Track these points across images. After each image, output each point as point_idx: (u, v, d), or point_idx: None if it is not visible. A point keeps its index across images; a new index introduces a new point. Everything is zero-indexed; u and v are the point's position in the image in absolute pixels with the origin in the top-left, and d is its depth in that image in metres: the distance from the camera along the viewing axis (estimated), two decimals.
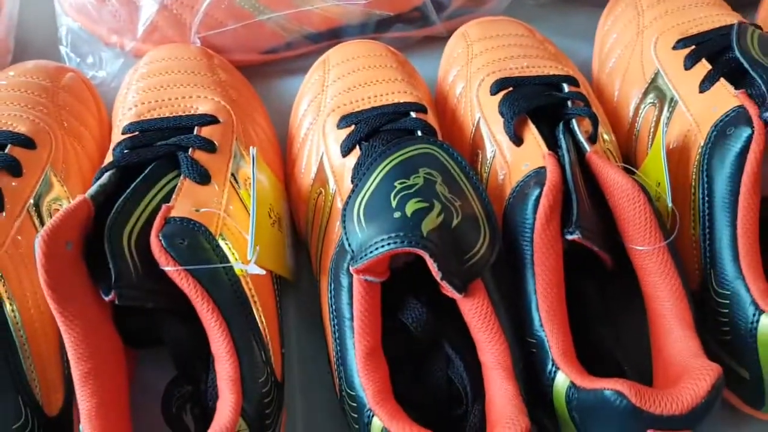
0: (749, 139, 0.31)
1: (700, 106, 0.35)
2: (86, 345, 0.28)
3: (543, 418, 0.31)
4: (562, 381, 0.29)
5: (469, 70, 0.41)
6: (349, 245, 0.29)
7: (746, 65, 0.33)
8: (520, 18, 0.45)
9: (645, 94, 0.40)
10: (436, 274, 0.28)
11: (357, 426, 0.30)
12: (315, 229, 0.36)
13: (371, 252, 0.27)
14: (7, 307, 0.30)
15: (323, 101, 0.39)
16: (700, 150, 0.34)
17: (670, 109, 0.37)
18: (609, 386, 0.26)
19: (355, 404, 0.29)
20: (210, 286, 0.29)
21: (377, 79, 0.39)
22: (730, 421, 0.35)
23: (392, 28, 0.45)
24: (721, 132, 0.33)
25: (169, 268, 0.29)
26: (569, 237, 0.30)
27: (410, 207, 0.28)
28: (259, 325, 0.31)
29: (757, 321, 0.30)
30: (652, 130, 0.39)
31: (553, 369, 0.29)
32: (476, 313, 0.29)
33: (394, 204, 0.29)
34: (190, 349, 0.31)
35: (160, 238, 0.29)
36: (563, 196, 0.31)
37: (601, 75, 0.44)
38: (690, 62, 0.37)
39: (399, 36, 0.46)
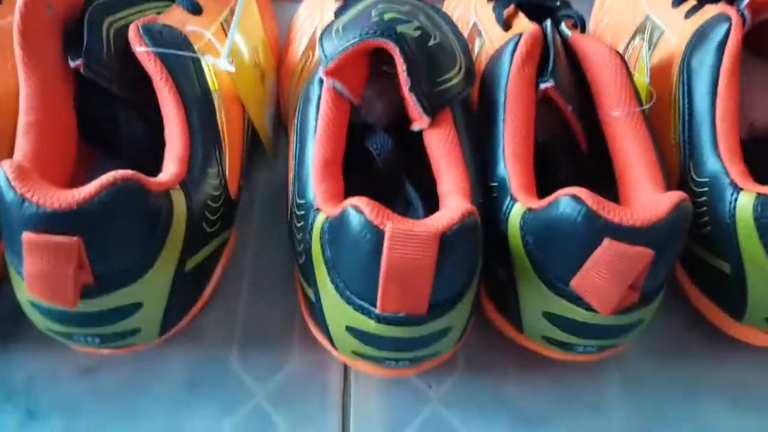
0: (728, 30, 0.32)
1: (684, 28, 0.36)
2: (39, 100, 0.27)
3: (497, 268, 0.29)
4: (516, 210, 0.27)
5: None
6: (323, 51, 0.29)
7: None
8: None
9: (633, 36, 0.41)
10: (405, 83, 0.27)
11: (300, 235, 0.28)
12: (298, 90, 0.36)
13: (343, 48, 0.28)
14: None
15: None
16: (681, 55, 0.34)
17: (657, 38, 0.38)
18: (564, 193, 0.25)
19: (302, 212, 0.28)
20: (179, 78, 0.29)
21: None
22: (710, 356, 0.33)
23: None
24: (701, 33, 0.34)
25: (141, 49, 0.29)
26: (542, 85, 0.30)
27: (388, 15, 0.29)
28: (221, 138, 0.30)
29: (736, 200, 0.29)
30: (637, 62, 0.39)
31: (510, 203, 0.28)
32: (441, 141, 0.29)
33: (374, 14, 0.29)
34: (147, 150, 0.30)
35: (140, 25, 0.29)
36: (541, 52, 0.31)
37: (595, 33, 0.46)
38: (677, 1, 0.39)
39: None
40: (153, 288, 0.26)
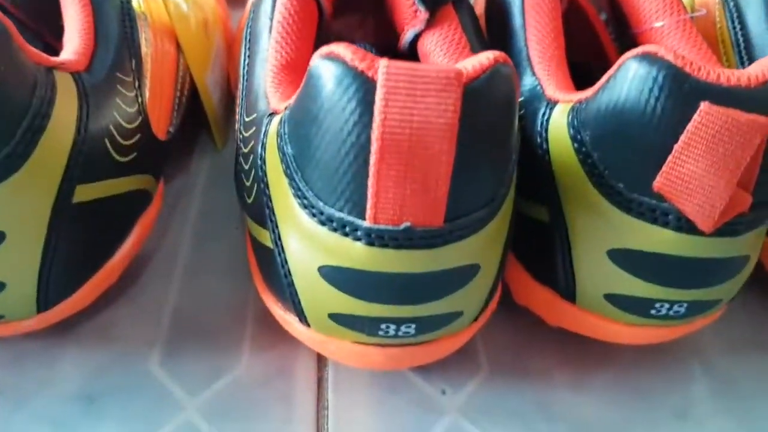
0: None
1: None
2: None
3: (533, 211, 0.21)
4: (559, 112, 0.20)
5: None
6: None
7: None
8: None
9: None
10: None
11: (249, 162, 0.20)
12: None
13: None
14: None
15: None
16: None
17: None
18: (630, 54, 0.17)
19: (252, 130, 0.20)
20: None
21: None
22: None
23: None
24: None
25: None
26: None
27: None
28: (140, 57, 0.23)
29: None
30: None
31: (548, 110, 0.20)
32: (444, 43, 0.22)
33: None
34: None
35: None
36: None
37: None
38: None
39: None
40: (15, 212, 0.17)
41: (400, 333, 0.18)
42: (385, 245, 0.16)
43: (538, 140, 0.20)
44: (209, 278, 0.25)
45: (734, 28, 0.27)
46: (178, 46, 0.27)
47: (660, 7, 0.24)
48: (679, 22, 0.24)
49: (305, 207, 0.17)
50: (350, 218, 0.16)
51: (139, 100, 0.22)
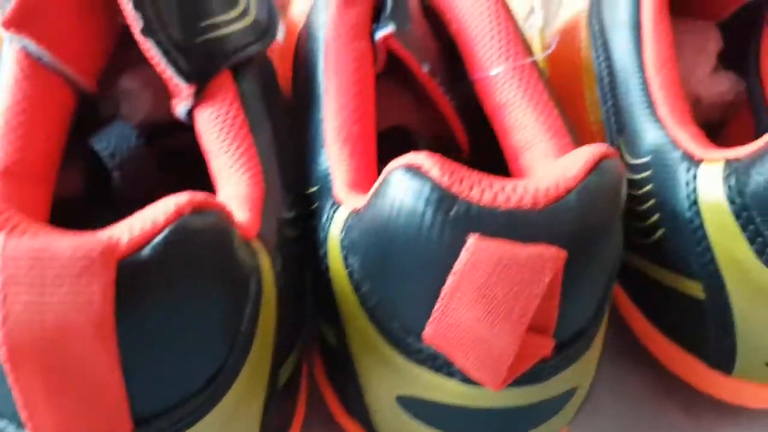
0: None
1: None
2: None
3: (326, 329, 0.17)
4: (338, 219, 0.16)
5: None
6: None
7: None
8: None
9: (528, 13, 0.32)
10: (137, 24, 0.16)
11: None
12: None
13: None
14: None
15: None
16: (587, 7, 0.25)
17: (556, 5, 0.29)
18: (396, 164, 0.14)
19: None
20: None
21: None
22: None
23: None
24: None
25: None
26: (379, 33, 0.19)
27: None
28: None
29: (695, 178, 0.18)
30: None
31: (331, 211, 0.16)
32: (217, 125, 0.17)
33: None
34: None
35: None
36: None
37: None
38: None
39: None
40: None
41: None
42: None
43: (321, 252, 0.17)
44: None
45: (597, 57, 0.23)
46: None
47: (496, 51, 0.20)
48: (516, 69, 0.20)
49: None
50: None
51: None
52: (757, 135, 0.19)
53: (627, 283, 0.22)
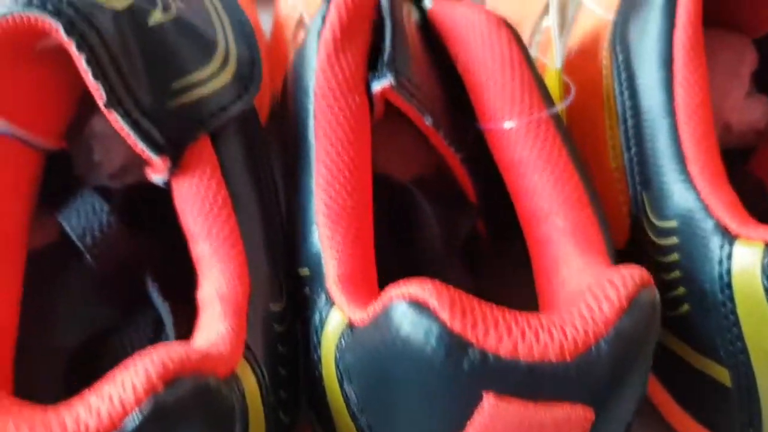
0: None
1: None
2: None
3: (316, 425, 0.16)
4: (334, 327, 0.14)
5: None
6: None
7: None
8: None
9: (541, 15, 0.29)
10: (99, 98, 0.14)
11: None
12: None
13: None
14: None
15: None
16: (611, 28, 0.22)
17: (573, 11, 0.26)
18: (399, 295, 0.12)
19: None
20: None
21: None
22: None
23: None
24: None
25: None
26: (376, 86, 0.17)
27: None
28: None
29: (729, 257, 0.17)
30: (548, 50, 0.27)
31: (325, 310, 0.15)
32: (197, 202, 0.15)
33: None
34: None
35: None
36: (375, 32, 0.18)
37: None
38: None
39: None
40: None
41: None
42: None
43: (313, 358, 0.15)
44: None
45: (620, 91, 0.21)
46: None
47: (509, 102, 0.18)
48: (531, 124, 0.18)
49: None
50: None
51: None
52: None
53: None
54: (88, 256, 0.16)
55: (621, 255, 0.20)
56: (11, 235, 0.16)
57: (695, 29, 0.19)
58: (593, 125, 0.22)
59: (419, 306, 0.11)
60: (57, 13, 0.14)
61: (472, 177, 0.19)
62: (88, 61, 0.14)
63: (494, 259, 0.21)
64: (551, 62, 0.24)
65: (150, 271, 0.17)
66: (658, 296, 0.12)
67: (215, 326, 0.13)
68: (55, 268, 0.18)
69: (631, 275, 0.12)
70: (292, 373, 0.16)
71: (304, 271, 0.16)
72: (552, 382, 0.11)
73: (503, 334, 0.11)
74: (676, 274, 0.18)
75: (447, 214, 0.19)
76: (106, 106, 0.14)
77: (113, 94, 0.14)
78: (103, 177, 0.18)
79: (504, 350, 0.11)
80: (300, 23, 0.26)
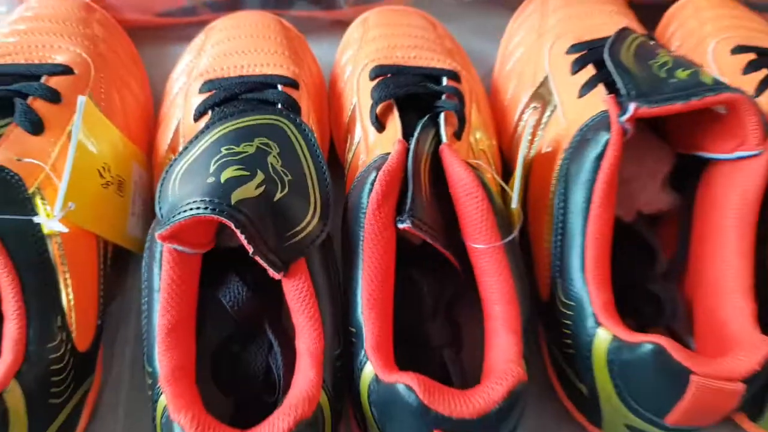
0: (606, 144, 0.30)
1: (576, 111, 0.34)
2: None
3: (360, 422, 0.30)
4: (368, 373, 0.27)
5: (359, 55, 0.39)
6: (160, 209, 0.27)
7: (611, 68, 0.32)
8: (437, 14, 0.44)
9: (531, 98, 0.38)
10: (248, 248, 0.26)
11: (151, 406, 0.28)
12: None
13: (175, 217, 0.26)
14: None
15: (197, 65, 0.37)
16: (562, 155, 0.33)
17: (549, 114, 0.36)
18: (401, 380, 0.25)
19: (150, 381, 0.28)
20: (10, 240, 0.27)
21: (255, 49, 0.37)
22: None
23: (295, 5, 0.44)
24: (583, 137, 0.32)
25: None
26: (400, 225, 0.28)
27: (226, 174, 0.27)
28: (62, 288, 0.29)
29: (594, 334, 0.29)
30: (531, 134, 0.37)
31: (364, 359, 0.28)
32: (296, 294, 0.28)
33: (212, 169, 0.27)
34: None
35: None
36: (404, 183, 0.29)
37: (500, 75, 0.43)
38: (576, 67, 0.36)
39: (304, 15, 0.45)
40: None
41: None
42: None
43: (357, 388, 0.28)
44: None
45: (558, 209, 0.32)
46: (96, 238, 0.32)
47: (477, 231, 0.29)
48: (490, 248, 0.29)
49: None
50: None
51: (65, 341, 0.29)
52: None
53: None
54: (232, 314, 0.29)
55: (544, 306, 0.32)
56: (192, 308, 0.29)
57: (608, 186, 0.29)
58: (540, 222, 0.33)
59: (410, 389, 0.24)
60: (229, 215, 0.25)
61: (458, 260, 0.31)
62: (245, 235, 0.25)
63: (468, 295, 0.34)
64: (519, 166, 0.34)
65: (267, 316, 0.30)
66: (525, 389, 0.25)
67: (307, 373, 0.26)
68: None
69: (512, 374, 0.24)
70: (343, 391, 0.29)
71: (352, 329, 0.29)
72: (471, 427, 0.24)
73: (450, 404, 0.24)
74: (570, 330, 0.30)
75: (435, 280, 0.31)
76: (253, 254, 0.26)
77: (258, 248, 0.26)
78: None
79: (448, 412, 0.24)
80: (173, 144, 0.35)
